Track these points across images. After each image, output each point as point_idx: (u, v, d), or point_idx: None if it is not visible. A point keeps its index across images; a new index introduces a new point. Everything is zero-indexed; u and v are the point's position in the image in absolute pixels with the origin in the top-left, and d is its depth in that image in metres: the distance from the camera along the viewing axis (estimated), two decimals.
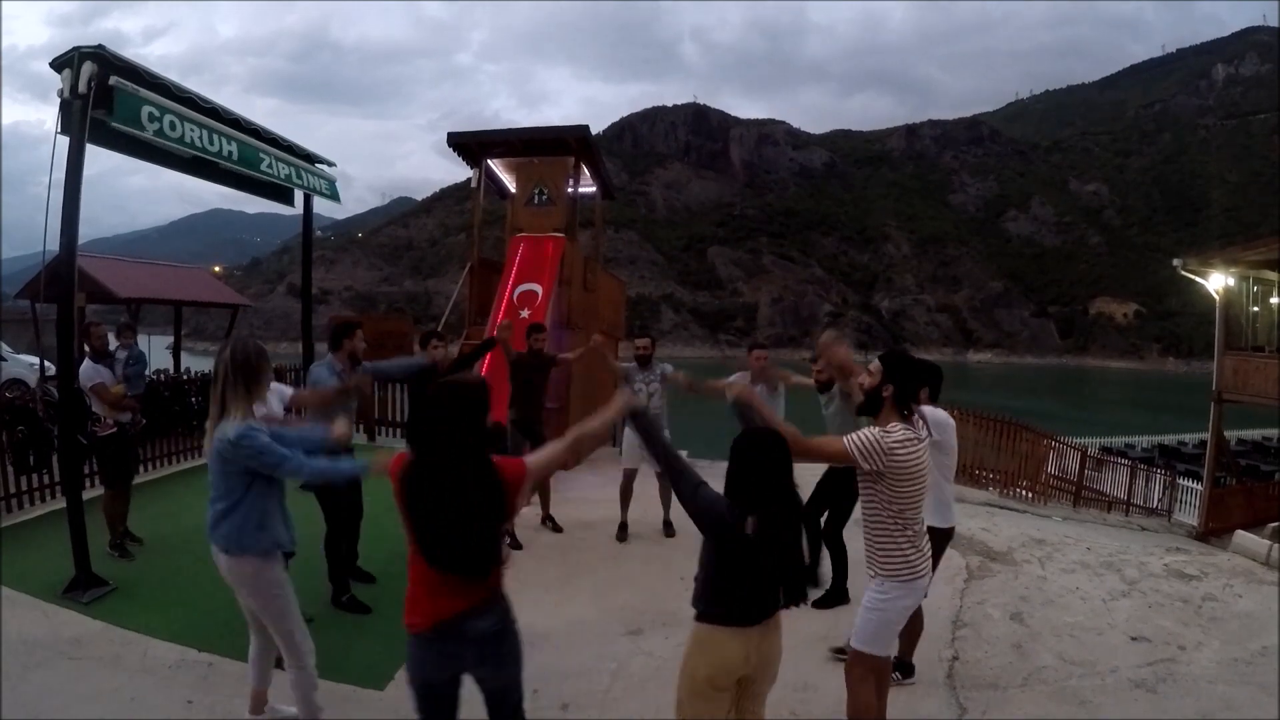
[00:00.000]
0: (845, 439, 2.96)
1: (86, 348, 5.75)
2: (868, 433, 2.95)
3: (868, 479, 3.01)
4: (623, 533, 6.61)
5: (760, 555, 2.42)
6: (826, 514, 5.19)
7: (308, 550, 4.27)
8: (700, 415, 6.53)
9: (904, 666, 4.00)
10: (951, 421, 4.01)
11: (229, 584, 3.10)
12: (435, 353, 6.11)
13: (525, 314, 9.64)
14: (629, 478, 6.69)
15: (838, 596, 5.07)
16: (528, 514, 6.87)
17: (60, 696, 3.53)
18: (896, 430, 2.95)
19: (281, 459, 2.94)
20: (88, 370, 5.45)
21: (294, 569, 3.33)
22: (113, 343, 6.34)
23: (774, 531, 2.41)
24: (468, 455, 2.32)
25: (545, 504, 6.87)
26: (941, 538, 3.96)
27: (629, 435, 6.67)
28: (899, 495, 2.97)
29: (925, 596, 3.24)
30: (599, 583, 5.41)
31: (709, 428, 6.78)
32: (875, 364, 3.11)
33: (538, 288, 9.84)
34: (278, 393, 4.43)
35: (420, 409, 2.44)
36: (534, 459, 2.57)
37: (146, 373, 8.27)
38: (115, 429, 5.56)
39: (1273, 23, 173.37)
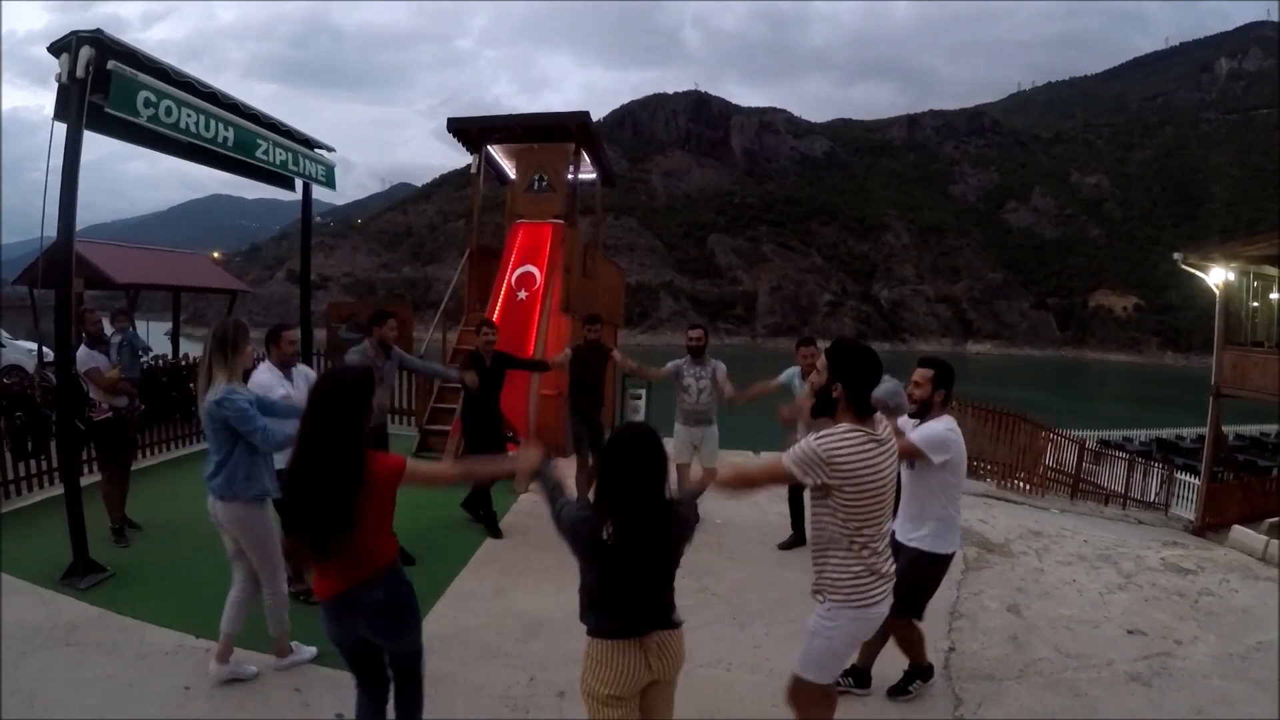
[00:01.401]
0: (784, 456, 2.65)
1: (82, 334, 5.76)
2: (804, 443, 2.60)
3: (817, 492, 2.66)
4: None
5: (630, 565, 2.28)
6: None
7: None
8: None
9: (859, 674, 3.82)
10: (957, 437, 3.57)
11: (222, 526, 3.59)
12: (484, 338, 6.26)
13: (523, 295, 9.66)
14: (680, 473, 6.49)
15: None
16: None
17: (57, 683, 3.54)
18: (838, 432, 2.59)
19: (253, 426, 3.42)
20: (82, 356, 5.48)
21: None
22: (108, 328, 6.35)
23: (639, 538, 2.27)
24: (338, 437, 2.52)
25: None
26: (941, 563, 3.67)
27: (679, 431, 6.51)
28: (853, 510, 2.60)
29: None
30: None
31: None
32: (822, 359, 2.77)
33: (535, 270, 9.85)
34: (304, 375, 4.60)
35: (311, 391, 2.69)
36: (416, 464, 2.71)
37: (143, 356, 8.30)
38: (111, 414, 5.56)
39: (1276, 18, 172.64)
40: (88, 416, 5.42)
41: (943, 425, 3.54)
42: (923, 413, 3.64)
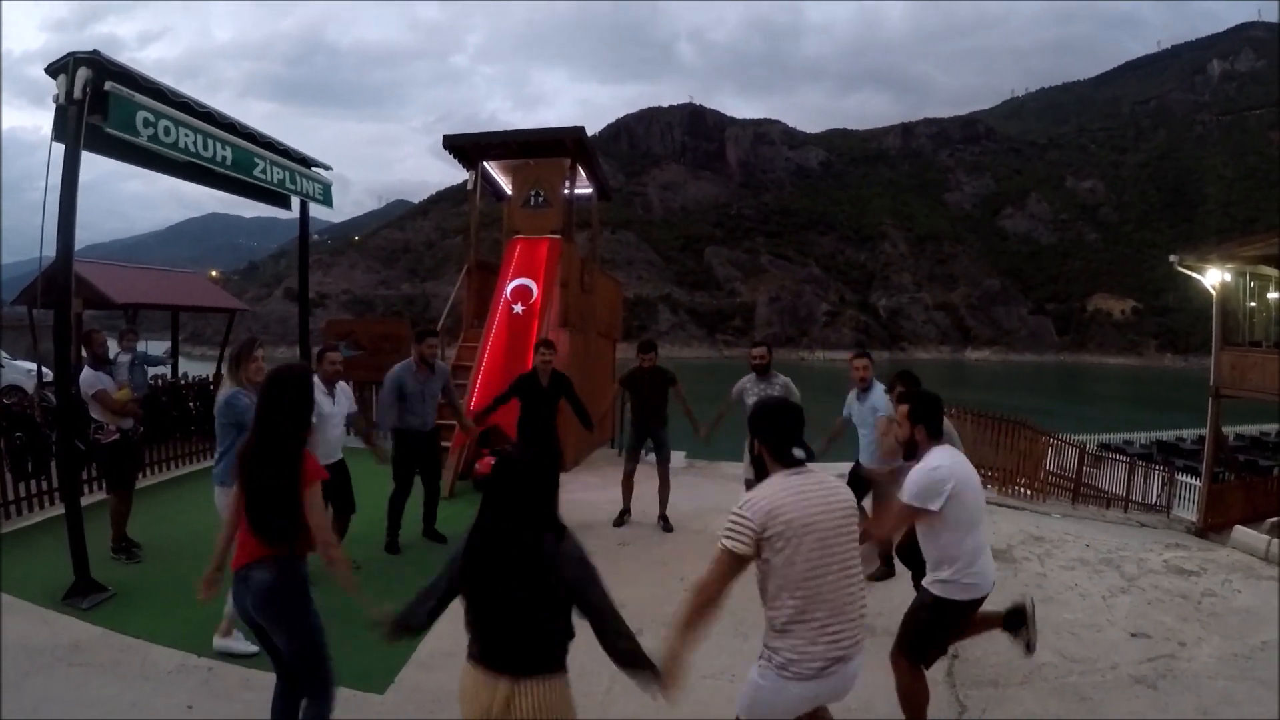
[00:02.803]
0: (720, 548, 2.60)
1: (86, 354, 5.72)
2: (730, 518, 2.57)
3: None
4: None
5: (487, 592, 2.21)
6: None
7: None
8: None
9: None
10: (944, 473, 3.13)
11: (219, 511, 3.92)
12: (540, 357, 6.53)
13: (519, 309, 9.67)
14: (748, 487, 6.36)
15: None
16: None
17: (60, 702, 3.53)
18: (768, 483, 2.58)
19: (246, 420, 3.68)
20: (88, 378, 5.43)
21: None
22: (114, 348, 6.34)
23: (495, 565, 2.20)
24: (279, 434, 2.77)
25: (663, 503, 6.96)
26: (940, 608, 3.27)
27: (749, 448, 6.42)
28: (786, 566, 2.49)
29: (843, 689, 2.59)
30: None
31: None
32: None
33: (532, 284, 9.87)
34: (345, 391, 5.38)
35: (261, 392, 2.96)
36: (320, 496, 2.83)
37: (161, 369, 8.44)
38: (118, 435, 5.54)
39: (1268, 18, 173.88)
40: (95, 439, 5.41)
41: (923, 467, 3.19)
42: (910, 453, 3.32)
